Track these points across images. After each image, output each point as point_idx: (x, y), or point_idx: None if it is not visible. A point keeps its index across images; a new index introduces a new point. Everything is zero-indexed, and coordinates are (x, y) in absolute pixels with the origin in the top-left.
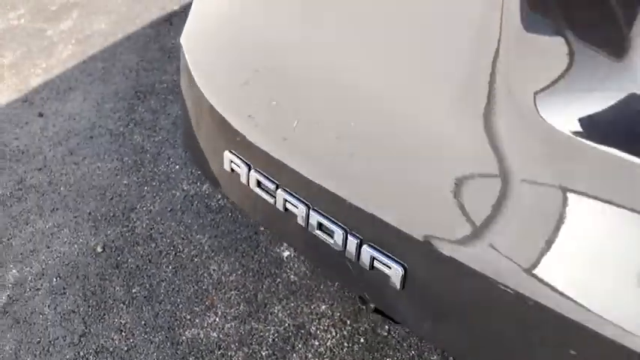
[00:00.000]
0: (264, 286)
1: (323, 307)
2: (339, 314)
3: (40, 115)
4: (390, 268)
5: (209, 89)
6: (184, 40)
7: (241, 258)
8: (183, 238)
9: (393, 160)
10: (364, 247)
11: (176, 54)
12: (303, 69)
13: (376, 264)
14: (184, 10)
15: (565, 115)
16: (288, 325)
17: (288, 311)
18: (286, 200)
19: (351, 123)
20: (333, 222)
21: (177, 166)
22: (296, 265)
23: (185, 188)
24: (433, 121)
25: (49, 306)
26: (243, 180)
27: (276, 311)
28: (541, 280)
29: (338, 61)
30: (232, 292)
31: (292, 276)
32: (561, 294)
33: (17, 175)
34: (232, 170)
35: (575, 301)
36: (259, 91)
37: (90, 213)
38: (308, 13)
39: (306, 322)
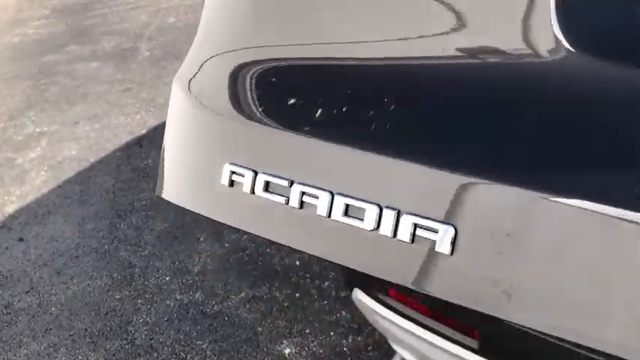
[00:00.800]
0: None
1: None
2: None
3: (21, 239)
4: (436, 232)
5: (216, 109)
6: (178, 79)
7: (244, 359)
8: (184, 346)
9: (435, 111)
10: (403, 217)
11: (151, 173)
12: (324, 60)
13: (419, 232)
14: (153, 134)
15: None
16: None
17: None
18: (304, 193)
19: (383, 99)
20: (364, 200)
21: (168, 277)
22: None
23: (178, 297)
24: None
25: None
26: (247, 189)
27: None
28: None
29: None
30: None
31: None
32: None
33: (4, 300)
34: (232, 184)
35: None
36: (275, 94)
37: (86, 329)
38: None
39: None
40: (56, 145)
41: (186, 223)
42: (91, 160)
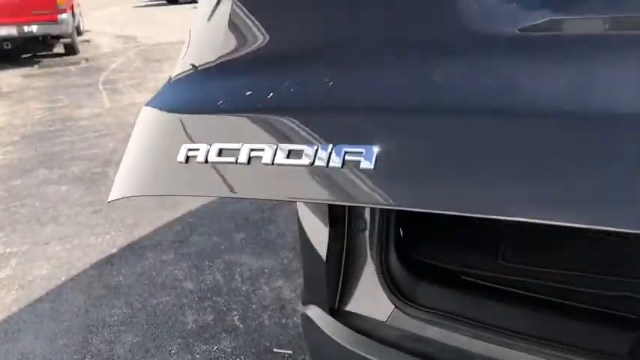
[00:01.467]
0: None
1: None
2: None
3: None
4: (361, 153)
5: (172, 111)
6: (147, 108)
7: None
8: None
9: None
10: (335, 147)
11: (122, 289)
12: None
13: (347, 157)
14: (123, 252)
15: None
16: None
17: None
18: (252, 149)
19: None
20: (301, 143)
21: None
22: None
23: None
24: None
25: None
26: (201, 159)
27: None
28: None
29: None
30: None
31: None
32: None
33: None
34: (187, 160)
35: None
36: (219, 91)
37: None
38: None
39: None
40: (27, 264)
41: (158, 337)
42: (62, 278)
